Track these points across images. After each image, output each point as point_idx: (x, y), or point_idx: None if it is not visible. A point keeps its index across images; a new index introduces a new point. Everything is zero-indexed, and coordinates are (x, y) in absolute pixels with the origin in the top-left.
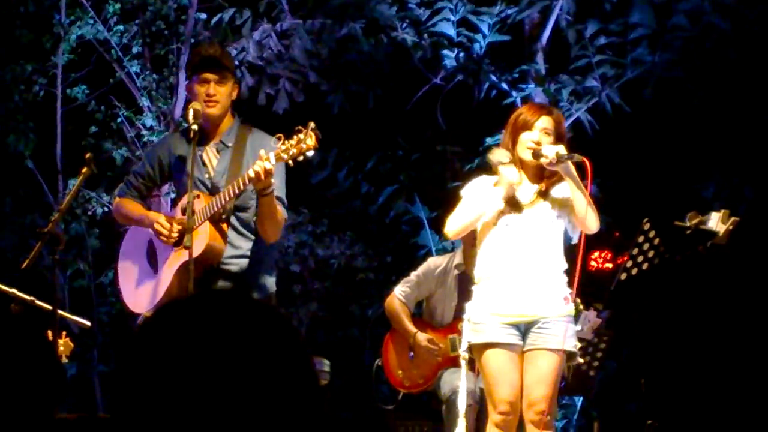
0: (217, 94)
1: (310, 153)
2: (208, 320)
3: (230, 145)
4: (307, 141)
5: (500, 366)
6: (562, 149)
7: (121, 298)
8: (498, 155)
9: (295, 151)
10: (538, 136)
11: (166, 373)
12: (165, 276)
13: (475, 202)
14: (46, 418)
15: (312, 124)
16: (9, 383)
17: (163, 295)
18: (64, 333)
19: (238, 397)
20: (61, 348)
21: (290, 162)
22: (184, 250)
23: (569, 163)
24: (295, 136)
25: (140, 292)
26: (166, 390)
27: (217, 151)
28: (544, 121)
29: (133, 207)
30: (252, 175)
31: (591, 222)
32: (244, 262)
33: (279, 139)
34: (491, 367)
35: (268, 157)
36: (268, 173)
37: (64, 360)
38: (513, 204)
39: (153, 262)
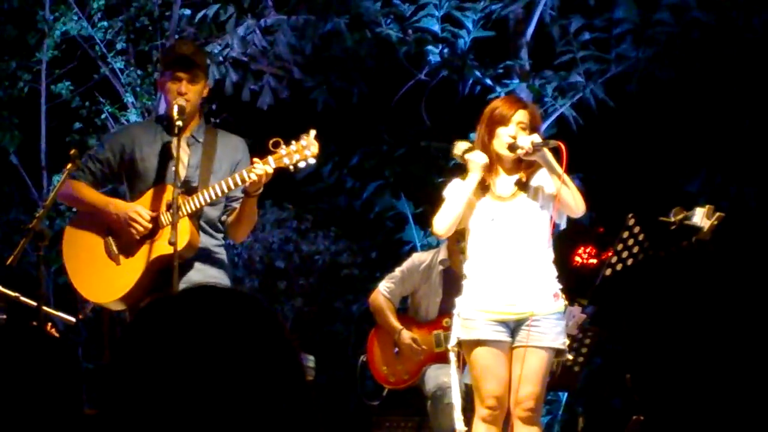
0: (189, 93)
1: (312, 161)
2: (197, 315)
3: (201, 140)
4: (311, 149)
5: (488, 363)
6: (536, 137)
7: (70, 283)
8: (460, 146)
9: (298, 156)
10: (515, 131)
11: (155, 368)
12: (134, 267)
13: (455, 195)
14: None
15: (314, 132)
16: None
17: (133, 287)
18: (49, 324)
19: (226, 391)
20: None
21: (291, 168)
22: (157, 243)
23: (545, 150)
24: (296, 143)
25: (99, 281)
26: (155, 385)
27: (188, 146)
28: (520, 115)
29: (91, 192)
30: (254, 178)
31: (574, 205)
32: (207, 258)
33: (277, 143)
34: (479, 363)
35: (268, 160)
36: (269, 177)
37: None
38: (485, 187)
39: (113, 250)
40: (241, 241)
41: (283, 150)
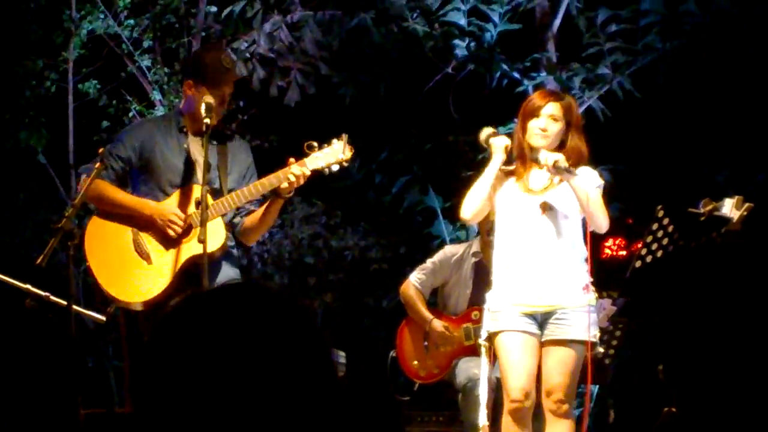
0: (225, 105)
1: (346, 164)
2: (228, 312)
3: (215, 142)
4: (345, 152)
5: (513, 352)
6: (562, 160)
7: (98, 285)
8: (485, 132)
9: (333, 160)
10: (545, 123)
11: (186, 365)
12: (167, 267)
13: (480, 178)
14: (72, 415)
15: (346, 136)
16: (37, 381)
17: (167, 287)
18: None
19: (258, 387)
20: None
21: (326, 171)
22: (190, 243)
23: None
24: (329, 147)
25: (130, 280)
26: (186, 381)
27: (201, 146)
28: (551, 108)
29: (120, 193)
30: (292, 179)
31: (598, 224)
32: (227, 259)
33: (311, 146)
34: (505, 352)
35: (305, 163)
36: (306, 179)
37: None
38: (509, 170)
39: (143, 249)
40: (251, 245)
41: (318, 153)
